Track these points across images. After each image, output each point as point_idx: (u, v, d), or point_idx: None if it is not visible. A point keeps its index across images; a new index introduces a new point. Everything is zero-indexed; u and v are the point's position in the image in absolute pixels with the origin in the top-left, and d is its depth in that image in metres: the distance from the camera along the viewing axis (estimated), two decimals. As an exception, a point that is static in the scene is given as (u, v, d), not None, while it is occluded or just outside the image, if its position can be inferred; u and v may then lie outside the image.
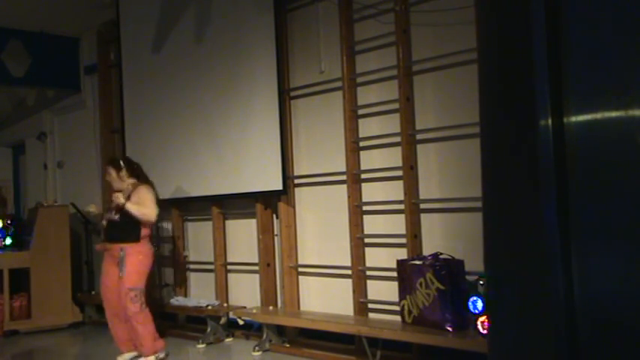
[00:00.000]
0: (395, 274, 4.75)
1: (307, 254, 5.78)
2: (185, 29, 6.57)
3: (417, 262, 4.57)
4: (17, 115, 9.86)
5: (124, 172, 5.51)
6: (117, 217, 5.37)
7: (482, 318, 4.09)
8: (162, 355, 5.47)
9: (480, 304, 4.16)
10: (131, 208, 5.29)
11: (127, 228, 5.35)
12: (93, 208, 6.13)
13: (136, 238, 5.35)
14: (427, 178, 4.87)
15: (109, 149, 7.68)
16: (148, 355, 5.37)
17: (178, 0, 6.64)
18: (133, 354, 5.51)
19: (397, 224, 4.97)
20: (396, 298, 4.75)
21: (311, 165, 5.72)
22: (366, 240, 5.25)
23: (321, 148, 5.64)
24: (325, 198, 5.62)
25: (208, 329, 6.07)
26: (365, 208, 5.27)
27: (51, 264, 7.15)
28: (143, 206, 5.34)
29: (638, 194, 1.30)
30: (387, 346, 4.74)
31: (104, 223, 5.57)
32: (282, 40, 5.74)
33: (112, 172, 5.52)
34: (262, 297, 5.93)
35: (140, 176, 5.57)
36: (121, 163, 5.59)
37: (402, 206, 4.88)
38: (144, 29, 7.03)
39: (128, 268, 5.27)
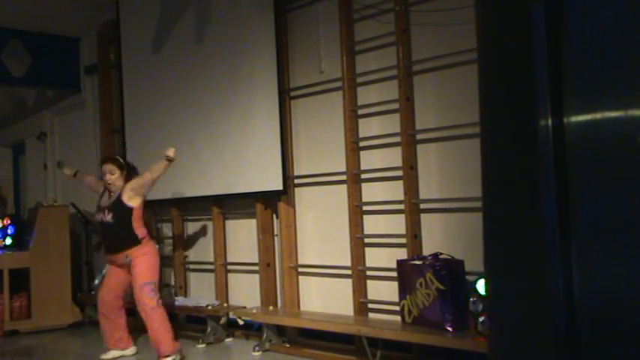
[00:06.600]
0: (395, 274, 4.75)
1: (307, 254, 5.78)
2: (185, 29, 6.56)
3: (417, 262, 4.57)
4: (17, 115, 9.86)
5: (124, 174, 5.51)
6: (109, 216, 5.36)
7: (482, 318, 4.09)
8: (178, 357, 5.36)
9: (479, 304, 4.16)
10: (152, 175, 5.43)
11: (123, 233, 5.35)
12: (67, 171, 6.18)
13: (136, 242, 5.36)
14: (427, 178, 4.87)
15: (109, 149, 7.68)
16: (165, 355, 5.26)
17: (178, 0, 6.64)
18: (117, 352, 5.57)
19: (397, 224, 4.97)
20: (396, 298, 4.75)
21: (311, 165, 5.72)
22: (366, 240, 5.25)
23: (321, 148, 5.64)
24: (325, 198, 5.62)
25: (208, 329, 6.07)
26: (365, 208, 5.27)
27: (51, 264, 7.15)
28: (142, 179, 5.42)
29: (638, 194, 1.30)
30: (387, 346, 4.74)
31: (97, 221, 5.59)
32: (282, 40, 5.74)
33: (117, 172, 5.48)
34: (262, 297, 5.93)
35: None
36: (124, 164, 5.60)
37: (402, 206, 4.88)
38: (144, 29, 7.03)
39: (138, 267, 5.30)
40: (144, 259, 5.34)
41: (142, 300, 5.28)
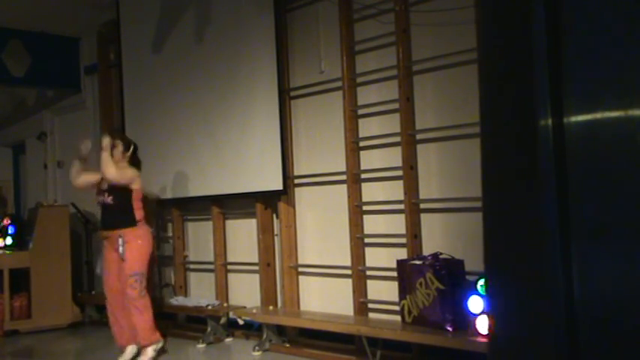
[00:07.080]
0: (395, 274, 4.75)
1: (307, 254, 5.78)
2: (185, 29, 6.57)
3: (417, 262, 4.57)
4: (17, 115, 9.86)
5: (127, 155, 5.51)
6: (110, 199, 5.37)
7: (482, 318, 4.09)
8: (159, 346, 5.44)
9: (480, 304, 4.16)
10: (103, 156, 5.27)
11: (121, 212, 5.35)
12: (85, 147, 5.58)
13: (132, 223, 5.36)
14: (427, 178, 4.87)
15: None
16: (144, 345, 5.35)
17: (178, 0, 6.64)
18: (134, 348, 5.49)
19: (397, 224, 4.97)
20: (396, 298, 4.75)
21: (311, 165, 5.72)
22: (366, 240, 5.25)
23: (321, 148, 5.64)
24: (325, 198, 5.62)
25: (208, 329, 6.07)
26: (365, 208, 5.27)
27: (51, 264, 7.15)
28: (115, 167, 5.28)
29: (638, 194, 1.30)
30: (387, 346, 4.74)
31: (99, 203, 5.55)
32: (282, 40, 5.74)
33: (120, 148, 5.49)
34: (262, 297, 5.93)
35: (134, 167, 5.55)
36: (132, 147, 5.58)
37: (402, 206, 4.88)
38: (144, 29, 7.03)
39: (128, 255, 5.30)
40: (135, 247, 5.33)
41: (125, 289, 5.32)
